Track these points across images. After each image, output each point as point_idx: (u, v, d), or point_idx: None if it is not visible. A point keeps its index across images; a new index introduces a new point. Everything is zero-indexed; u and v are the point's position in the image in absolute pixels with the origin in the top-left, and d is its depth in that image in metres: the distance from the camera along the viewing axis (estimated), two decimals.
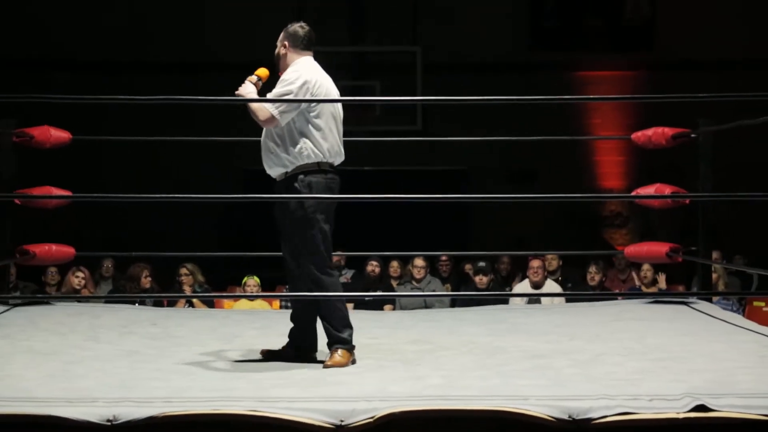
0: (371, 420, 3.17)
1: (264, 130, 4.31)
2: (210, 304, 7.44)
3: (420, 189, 5.34)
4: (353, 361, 4.15)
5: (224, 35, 12.02)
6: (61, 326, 5.01)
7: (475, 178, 12.21)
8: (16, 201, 5.34)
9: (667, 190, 5.37)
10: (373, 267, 8.41)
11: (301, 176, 4.22)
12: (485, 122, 11.08)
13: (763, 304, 7.89)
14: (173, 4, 12.17)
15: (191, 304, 7.30)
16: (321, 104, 4.21)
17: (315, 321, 4.33)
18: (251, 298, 7.33)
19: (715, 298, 6.22)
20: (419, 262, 8.08)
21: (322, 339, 4.26)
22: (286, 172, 4.26)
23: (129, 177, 10.96)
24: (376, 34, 12.42)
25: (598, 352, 4.33)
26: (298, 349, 4.32)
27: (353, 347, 4.19)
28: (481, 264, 7.96)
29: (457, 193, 11.09)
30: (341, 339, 4.17)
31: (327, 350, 4.20)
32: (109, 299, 6.79)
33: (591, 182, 12.47)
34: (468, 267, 8.84)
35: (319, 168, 4.24)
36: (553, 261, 8.38)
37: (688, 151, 5.71)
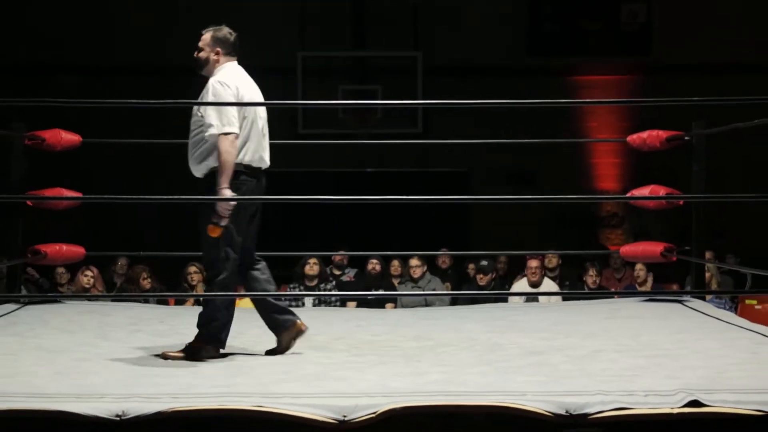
0: (373, 415, 3.18)
1: (190, 135, 4.30)
2: None
3: (421, 190, 5.35)
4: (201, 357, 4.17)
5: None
6: (71, 324, 5.02)
7: (474, 179, 12.21)
8: (28, 202, 5.36)
9: (662, 191, 5.37)
10: (373, 266, 8.41)
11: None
12: (485, 125, 11.13)
13: (755, 302, 7.89)
14: (185, 9, 12.18)
15: (199, 302, 7.29)
16: (245, 112, 4.23)
17: (271, 306, 4.37)
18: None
19: (708, 297, 6.22)
20: (414, 261, 8.08)
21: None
22: (206, 174, 4.25)
23: (137, 179, 10.97)
24: (378, 39, 12.43)
25: (594, 348, 4.33)
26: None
27: (210, 346, 4.21)
28: (484, 263, 7.97)
29: (457, 194, 11.10)
30: (202, 333, 4.23)
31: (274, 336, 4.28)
32: (117, 298, 6.81)
33: (587, 184, 12.47)
34: (471, 267, 8.84)
35: (240, 170, 4.22)
36: (552, 259, 8.38)
37: (681, 153, 5.72)
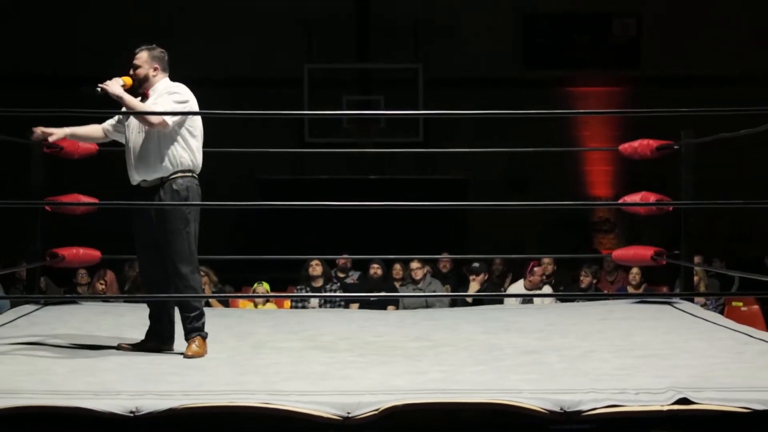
0: (376, 412, 3.17)
1: (134, 139, 4.32)
2: (225, 303, 7.44)
3: (421, 197, 5.35)
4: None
5: (238, 52, 12.04)
6: (87, 324, 5.02)
7: (473, 186, 12.21)
8: (47, 208, 5.36)
9: (652, 197, 5.36)
10: (375, 269, 8.41)
11: (180, 180, 4.26)
12: (483, 134, 11.13)
13: (741, 304, 7.89)
14: (197, 25, 12.20)
15: (208, 304, 7.30)
16: (199, 120, 4.35)
17: (173, 316, 4.37)
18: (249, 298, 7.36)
19: (696, 299, 6.21)
20: (414, 264, 8.08)
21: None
22: (162, 178, 4.27)
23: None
24: (381, 52, 12.44)
25: (587, 348, 4.32)
26: (160, 342, 4.35)
27: (206, 335, 4.25)
28: (475, 265, 7.96)
29: (456, 200, 11.10)
30: (196, 328, 4.23)
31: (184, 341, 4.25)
32: (131, 299, 6.80)
33: (581, 190, 12.47)
34: (465, 269, 8.83)
35: (192, 174, 4.31)
36: (548, 266, 8.36)
37: (670, 161, 5.71)
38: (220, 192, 10.29)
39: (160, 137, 4.26)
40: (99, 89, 4.38)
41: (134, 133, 4.35)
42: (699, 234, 5.84)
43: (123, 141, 4.43)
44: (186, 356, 4.15)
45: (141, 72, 4.46)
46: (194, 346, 4.19)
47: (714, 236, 10.60)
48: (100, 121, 4.65)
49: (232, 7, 12.34)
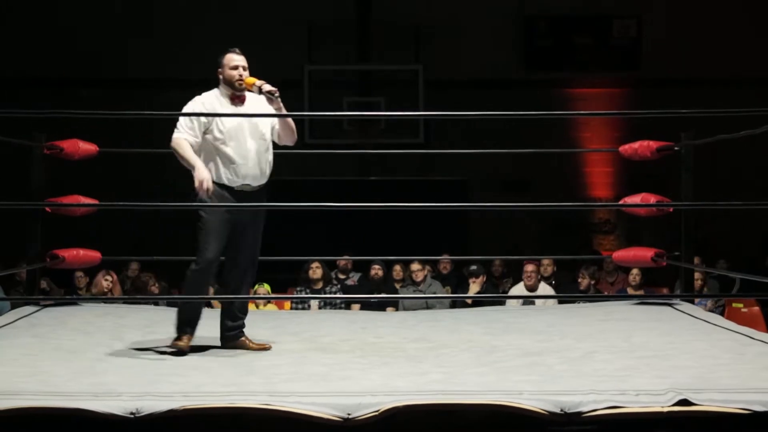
0: (376, 413, 3.17)
1: (261, 144, 4.36)
2: None
3: (422, 198, 5.34)
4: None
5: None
6: (88, 326, 5.02)
7: (473, 187, 12.21)
8: (47, 209, 5.36)
9: (652, 198, 5.36)
10: (376, 270, 8.40)
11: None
12: (483, 135, 11.13)
13: (741, 305, 7.88)
14: (198, 26, 12.21)
15: (210, 305, 7.30)
16: None
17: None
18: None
19: (696, 300, 6.21)
20: (415, 266, 8.08)
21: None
22: (265, 182, 4.42)
23: (151, 186, 10.98)
24: (381, 53, 12.44)
25: (587, 350, 4.32)
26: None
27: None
28: (473, 267, 7.96)
29: (456, 201, 11.09)
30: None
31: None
32: (131, 300, 6.81)
33: (581, 191, 12.47)
34: (465, 270, 8.83)
35: None
36: (548, 267, 8.36)
37: (669, 162, 5.71)
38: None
39: (270, 143, 4.38)
40: (275, 94, 4.33)
41: (253, 138, 4.34)
42: (700, 235, 5.84)
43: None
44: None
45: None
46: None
47: (715, 237, 10.60)
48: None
49: (231, 8, 12.35)
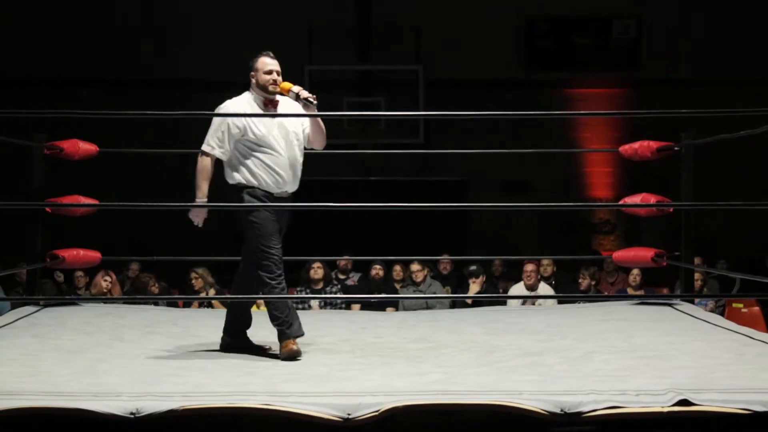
0: (376, 413, 3.17)
1: (297, 150, 4.37)
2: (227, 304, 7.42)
3: (422, 198, 5.35)
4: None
5: (241, 54, 12.03)
6: (88, 326, 5.02)
7: (473, 188, 12.20)
8: (47, 209, 5.36)
9: (653, 199, 5.36)
10: (377, 270, 8.40)
11: None
12: (483, 136, 11.13)
13: (741, 305, 7.88)
14: (198, 25, 12.20)
15: (210, 305, 7.30)
16: None
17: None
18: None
19: (696, 300, 6.21)
20: (415, 266, 8.08)
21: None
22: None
23: (152, 186, 10.98)
24: (381, 54, 12.44)
25: (587, 350, 4.32)
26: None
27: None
28: (473, 267, 7.96)
29: (456, 202, 11.09)
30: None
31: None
32: (131, 300, 6.81)
33: (581, 192, 12.47)
34: (465, 271, 8.83)
35: None
36: (548, 267, 8.37)
37: (669, 162, 5.72)
38: (221, 194, 10.32)
39: (301, 150, 4.38)
40: (314, 101, 4.34)
41: (289, 145, 4.34)
42: (700, 235, 5.84)
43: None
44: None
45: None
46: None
47: (715, 237, 10.60)
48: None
49: (231, 8, 12.35)
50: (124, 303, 6.35)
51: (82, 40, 12.14)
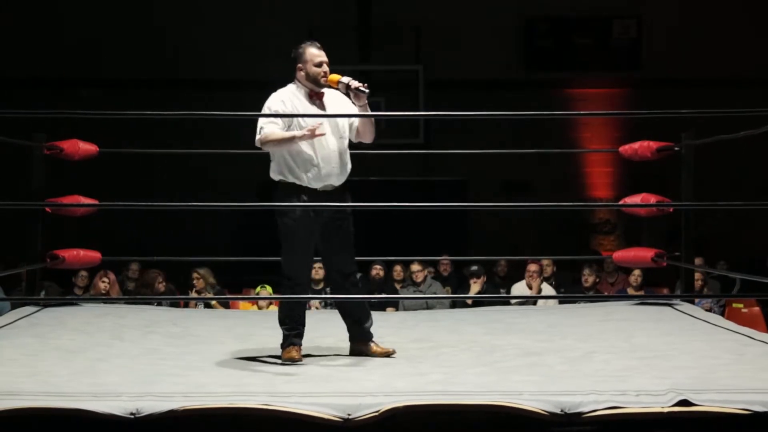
0: (376, 413, 3.17)
1: (341, 142, 4.25)
2: (226, 305, 7.44)
3: (422, 198, 5.34)
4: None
5: (241, 54, 12.04)
6: (88, 326, 5.02)
7: (473, 188, 12.20)
8: (47, 209, 5.36)
9: (653, 199, 5.36)
10: (377, 271, 8.40)
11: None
12: (483, 136, 11.12)
13: (741, 306, 7.89)
14: (198, 24, 12.20)
15: (209, 305, 7.31)
16: None
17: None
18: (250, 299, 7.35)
19: (696, 300, 6.21)
20: (415, 266, 8.08)
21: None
22: (346, 181, 4.28)
23: (152, 187, 10.98)
24: (382, 53, 12.44)
25: (588, 350, 4.32)
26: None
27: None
28: (474, 268, 7.96)
29: (456, 202, 11.09)
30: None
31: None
32: (132, 300, 6.81)
33: (581, 192, 12.47)
34: (465, 271, 8.84)
35: None
36: (548, 267, 8.37)
37: (669, 162, 5.72)
38: (221, 194, 10.32)
39: (345, 144, 4.26)
40: (365, 89, 4.23)
41: (333, 136, 4.22)
42: (701, 235, 5.84)
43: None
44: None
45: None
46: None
47: (715, 237, 10.60)
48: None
49: (231, 8, 12.35)
50: (124, 303, 6.34)
51: (82, 40, 12.13)
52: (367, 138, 4.35)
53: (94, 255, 5.72)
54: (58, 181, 5.75)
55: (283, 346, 4.20)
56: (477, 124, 11.36)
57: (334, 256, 4.32)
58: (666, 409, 3.20)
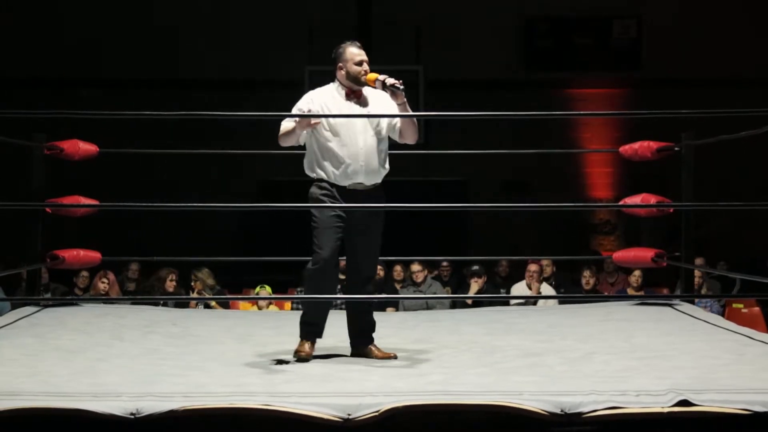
0: (376, 414, 3.17)
1: (373, 140, 4.24)
2: (226, 305, 7.44)
3: (421, 199, 5.34)
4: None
5: (241, 54, 12.04)
6: (88, 326, 5.02)
7: (473, 188, 12.20)
8: (47, 209, 5.36)
9: (653, 199, 5.36)
10: (377, 271, 8.39)
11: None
12: (483, 136, 11.11)
13: (741, 306, 7.89)
14: (197, 25, 12.21)
15: (209, 306, 7.31)
16: None
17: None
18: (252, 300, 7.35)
19: (696, 300, 6.21)
20: (416, 267, 8.08)
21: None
22: (379, 181, 4.27)
23: (152, 187, 10.99)
24: (381, 54, 12.42)
25: (588, 350, 4.32)
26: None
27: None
28: (475, 268, 7.96)
29: (456, 202, 11.08)
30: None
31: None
32: (132, 300, 6.81)
33: (581, 192, 12.47)
34: (466, 271, 8.84)
35: None
36: (547, 267, 8.37)
37: (669, 162, 5.72)
38: (222, 194, 10.32)
39: (383, 140, 4.23)
40: (400, 86, 4.21)
41: (364, 134, 4.21)
42: (701, 235, 5.84)
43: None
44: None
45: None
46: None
47: (715, 237, 10.60)
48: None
49: (232, 8, 12.35)
50: (124, 303, 6.34)
51: (82, 40, 12.14)
52: (410, 138, 4.35)
53: (94, 255, 5.72)
54: (58, 181, 5.75)
55: (300, 338, 4.21)
56: (477, 124, 11.37)
57: (354, 257, 4.34)
58: (666, 409, 3.20)
